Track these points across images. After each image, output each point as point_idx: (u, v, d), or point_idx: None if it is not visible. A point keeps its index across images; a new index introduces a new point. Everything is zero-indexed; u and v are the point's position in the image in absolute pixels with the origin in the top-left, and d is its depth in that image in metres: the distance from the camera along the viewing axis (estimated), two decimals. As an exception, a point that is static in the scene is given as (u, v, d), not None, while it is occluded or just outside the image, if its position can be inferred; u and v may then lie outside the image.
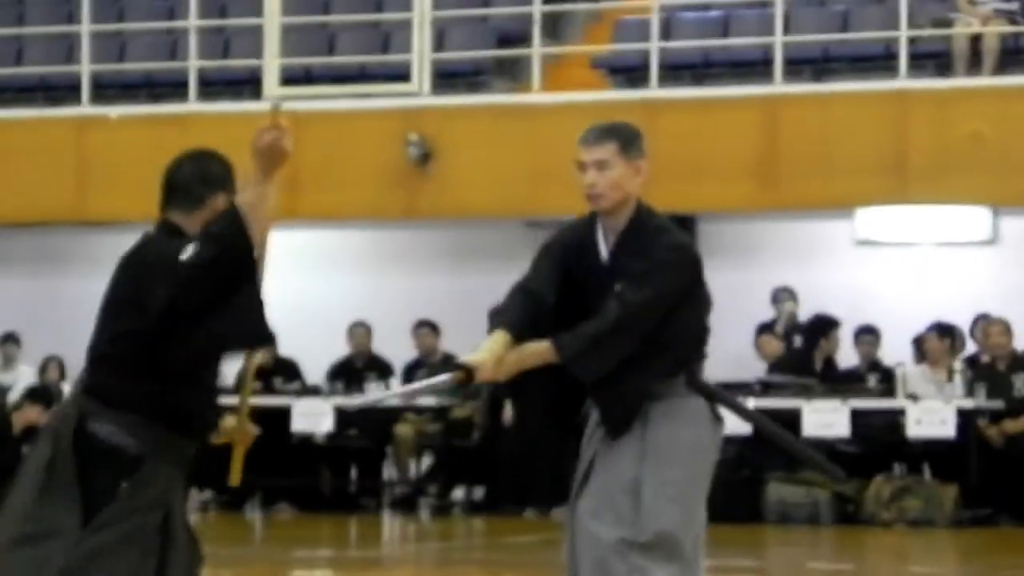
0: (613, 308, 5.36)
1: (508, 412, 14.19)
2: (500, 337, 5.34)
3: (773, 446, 5.97)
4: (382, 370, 15.26)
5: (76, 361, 16.22)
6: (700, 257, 5.50)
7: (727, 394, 5.65)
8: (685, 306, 5.44)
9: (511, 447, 14.20)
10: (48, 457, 4.47)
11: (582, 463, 5.52)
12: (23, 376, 16.18)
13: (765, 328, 14.78)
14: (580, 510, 5.44)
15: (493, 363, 5.29)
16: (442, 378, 5.40)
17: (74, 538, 4.39)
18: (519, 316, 5.38)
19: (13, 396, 15.69)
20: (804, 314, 14.92)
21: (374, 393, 13.55)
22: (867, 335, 14.48)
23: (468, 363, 5.29)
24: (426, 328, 15.16)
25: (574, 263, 5.47)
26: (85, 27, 16.14)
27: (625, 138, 5.43)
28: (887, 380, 13.95)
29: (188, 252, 4.31)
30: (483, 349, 5.33)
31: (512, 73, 16.21)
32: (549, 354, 5.35)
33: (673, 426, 5.42)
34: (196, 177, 4.57)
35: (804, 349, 14.35)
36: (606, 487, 5.41)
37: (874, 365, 14.35)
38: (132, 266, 4.50)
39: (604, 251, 5.46)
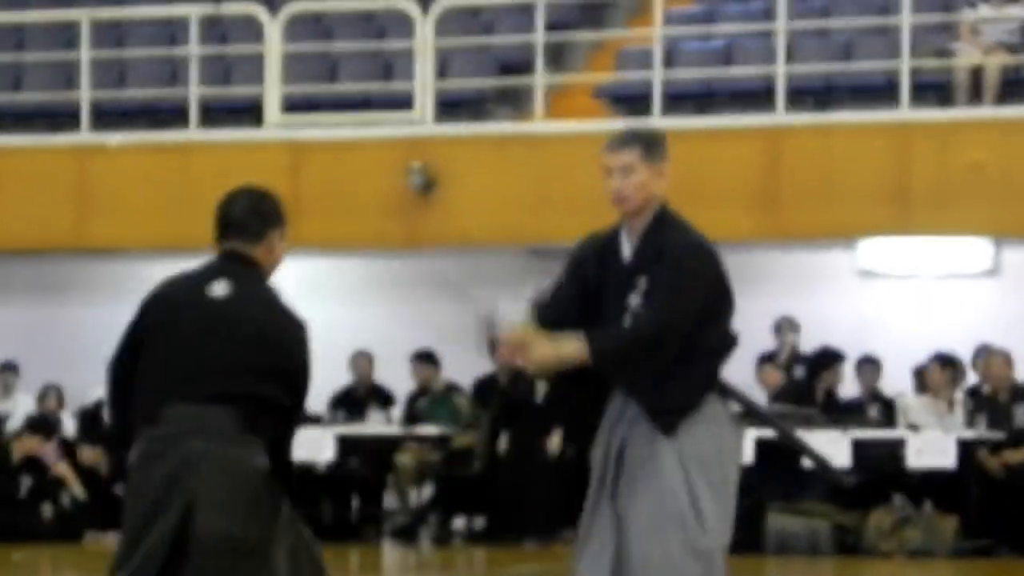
0: (648, 315, 5.43)
1: (503, 442, 14.25)
2: (533, 326, 5.44)
3: (775, 471, 6.04)
4: (384, 399, 15.31)
5: (75, 390, 16.35)
6: (717, 251, 5.57)
7: (741, 391, 5.71)
8: (714, 315, 5.49)
9: (509, 477, 14.25)
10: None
11: (606, 463, 5.54)
12: (21, 404, 16.21)
13: (767, 359, 14.83)
14: (632, 518, 5.44)
15: (516, 344, 5.42)
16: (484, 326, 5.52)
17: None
18: (565, 313, 5.54)
19: (12, 425, 15.74)
20: (806, 344, 14.98)
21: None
22: (868, 365, 14.54)
23: (499, 337, 5.37)
24: (423, 359, 15.18)
25: (593, 270, 5.59)
26: (85, 54, 16.21)
27: (648, 142, 5.58)
28: (888, 410, 14.00)
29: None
30: (519, 328, 5.41)
31: (515, 102, 16.29)
32: (582, 354, 5.41)
33: (705, 430, 5.47)
34: (253, 212, 4.78)
35: (806, 380, 14.40)
36: (661, 494, 5.41)
37: (875, 395, 14.40)
38: (278, 330, 4.78)
39: (627, 252, 5.57)
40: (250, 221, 4.74)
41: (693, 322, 5.42)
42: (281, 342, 4.65)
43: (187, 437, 4.61)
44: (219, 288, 4.70)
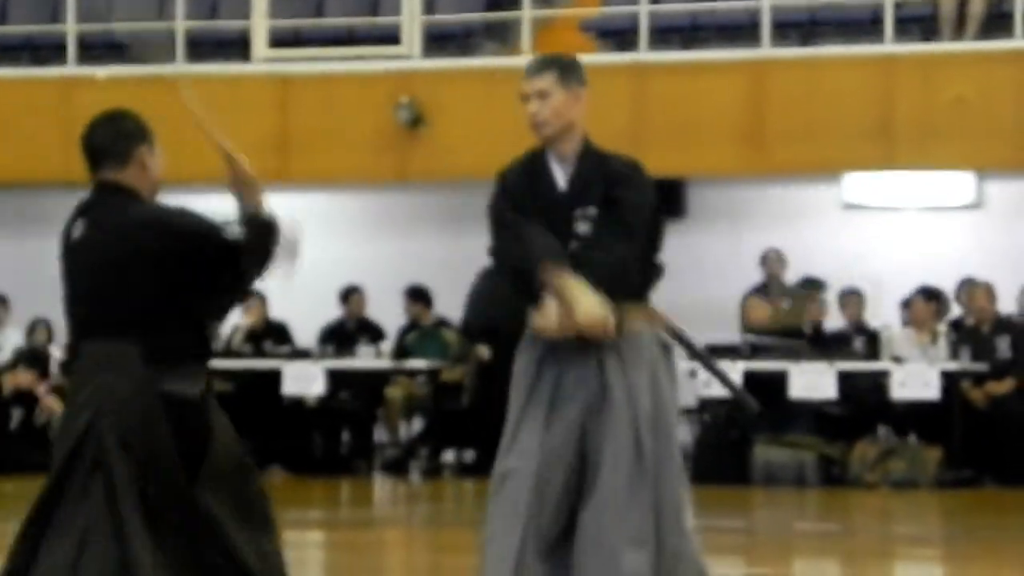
0: (621, 237, 5.52)
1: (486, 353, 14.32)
2: (582, 283, 5.48)
3: (761, 404, 6.12)
4: (374, 333, 15.36)
5: (62, 323, 16.33)
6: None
7: (667, 318, 5.78)
8: (656, 237, 5.61)
9: (499, 410, 14.31)
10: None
11: (535, 394, 5.61)
12: (11, 338, 16.25)
13: (754, 291, 14.90)
14: (599, 455, 5.51)
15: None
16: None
17: None
18: (560, 252, 5.55)
19: (1, 358, 15.78)
20: (792, 278, 15.04)
21: None
22: (853, 298, 14.61)
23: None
24: (415, 296, 15.22)
25: (525, 200, 5.66)
26: (72, -13, 16.16)
27: (563, 67, 5.69)
28: (873, 343, 14.08)
29: (234, 234, 4.70)
30: (588, 300, 5.44)
31: (502, 36, 16.27)
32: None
33: (639, 353, 5.55)
34: (116, 135, 4.84)
35: (792, 312, 14.46)
36: (620, 434, 5.51)
37: (860, 328, 14.48)
38: (157, 230, 4.70)
39: (561, 180, 5.63)
40: (115, 144, 4.78)
41: (646, 225, 5.55)
42: (145, 253, 4.66)
43: (94, 373, 4.70)
44: (79, 228, 4.78)
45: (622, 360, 5.57)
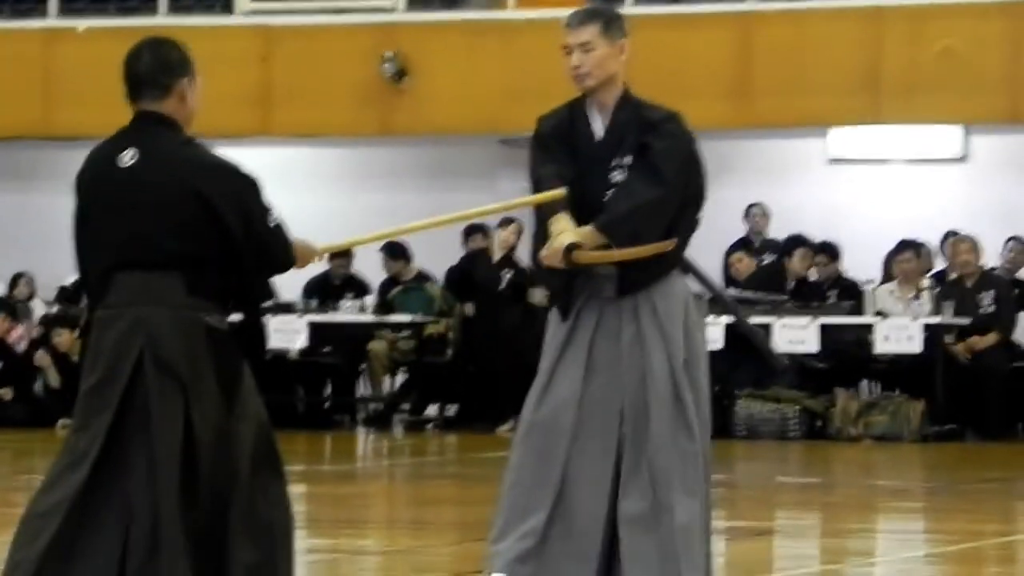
0: (647, 182, 5.56)
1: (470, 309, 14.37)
2: (567, 219, 5.54)
3: (745, 358, 6.17)
4: (358, 288, 15.36)
5: (46, 277, 16.36)
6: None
7: (703, 272, 5.83)
8: (694, 194, 5.64)
9: (481, 365, 14.35)
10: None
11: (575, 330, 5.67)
12: (-10, 291, 16.25)
13: (739, 245, 14.92)
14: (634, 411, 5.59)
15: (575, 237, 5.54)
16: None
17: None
18: (561, 170, 5.61)
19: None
20: (777, 231, 15.06)
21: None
22: (828, 253, 14.62)
23: (564, 245, 5.50)
24: (393, 253, 15.21)
25: (562, 148, 5.71)
26: (54, -61, 16.10)
27: (607, 19, 5.71)
28: (854, 296, 14.11)
29: (273, 220, 4.76)
30: (563, 232, 5.51)
31: (487, -11, 16.24)
32: (595, 237, 5.58)
33: (673, 304, 5.62)
34: (160, 66, 4.79)
35: (775, 266, 14.49)
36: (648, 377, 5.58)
37: (844, 282, 14.51)
38: (219, 172, 4.73)
39: (599, 129, 5.68)
40: (158, 75, 4.77)
41: (684, 181, 5.58)
42: (202, 196, 4.68)
43: (135, 304, 4.70)
44: (128, 156, 4.74)
45: (656, 310, 5.63)
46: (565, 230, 5.56)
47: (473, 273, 14.53)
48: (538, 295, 13.62)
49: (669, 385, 5.60)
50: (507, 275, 14.34)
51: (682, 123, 5.69)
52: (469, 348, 14.65)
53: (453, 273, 15.06)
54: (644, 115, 5.67)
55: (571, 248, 5.49)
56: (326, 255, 5.10)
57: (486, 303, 14.38)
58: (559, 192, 5.56)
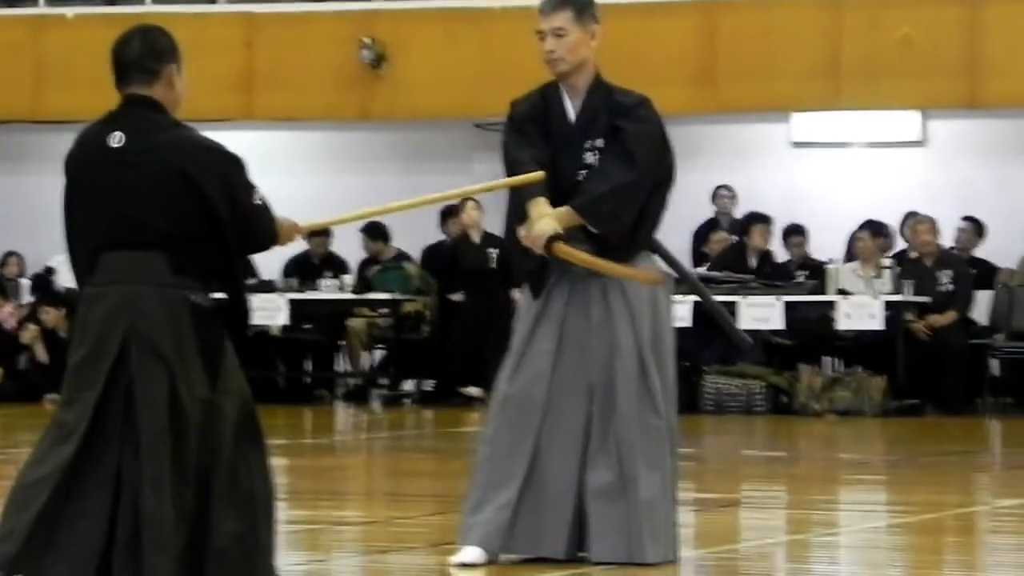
0: (621, 165, 5.55)
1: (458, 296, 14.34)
2: (544, 203, 5.55)
3: (712, 335, 6.18)
4: (337, 267, 15.33)
5: (35, 256, 16.29)
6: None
7: (670, 253, 5.82)
8: (665, 176, 5.59)
9: (460, 340, 14.31)
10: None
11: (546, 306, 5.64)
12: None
13: (707, 226, 14.92)
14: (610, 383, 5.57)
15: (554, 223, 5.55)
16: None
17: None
18: (544, 187, 5.59)
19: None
20: (742, 213, 15.07)
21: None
22: (800, 233, 14.65)
23: (546, 237, 5.48)
24: (372, 233, 15.18)
25: (535, 130, 5.71)
26: (43, -72, 16.02)
27: (579, 6, 5.74)
28: (818, 276, 14.12)
29: (258, 198, 4.73)
30: (543, 217, 5.50)
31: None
32: (571, 218, 5.56)
33: (649, 292, 5.65)
34: (149, 51, 4.77)
35: (738, 245, 14.50)
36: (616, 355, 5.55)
37: (807, 262, 14.52)
38: (204, 153, 4.70)
39: (572, 112, 5.65)
40: (146, 60, 4.75)
41: (657, 161, 5.57)
42: (188, 177, 4.65)
43: (121, 282, 4.69)
44: (116, 138, 4.72)
45: (625, 290, 5.62)
46: (544, 215, 5.55)
47: (459, 258, 14.47)
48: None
49: (636, 362, 5.59)
50: (494, 254, 14.30)
51: (652, 108, 5.69)
52: (446, 324, 14.61)
53: (434, 257, 15.04)
54: (616, 99, 5.67)
55: (553, 239, 5.49)
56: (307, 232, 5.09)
57: (476, 285, 14.31)
58: (537, 175, 5.56)
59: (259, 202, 4.74)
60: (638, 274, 5.55)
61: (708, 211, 15.17)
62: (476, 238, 14.43)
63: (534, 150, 5.64)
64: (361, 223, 15.29)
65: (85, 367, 4.66)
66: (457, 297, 14.45)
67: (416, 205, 5.49)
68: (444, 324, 14.64)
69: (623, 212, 5.58)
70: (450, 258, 14.61)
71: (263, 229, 4.76)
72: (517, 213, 5.66)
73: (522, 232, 5.59)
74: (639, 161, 5.57)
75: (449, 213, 14.94)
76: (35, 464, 4.66)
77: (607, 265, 5.53)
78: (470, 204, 14.27)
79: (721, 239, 14.68)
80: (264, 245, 4.81)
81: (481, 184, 5.70)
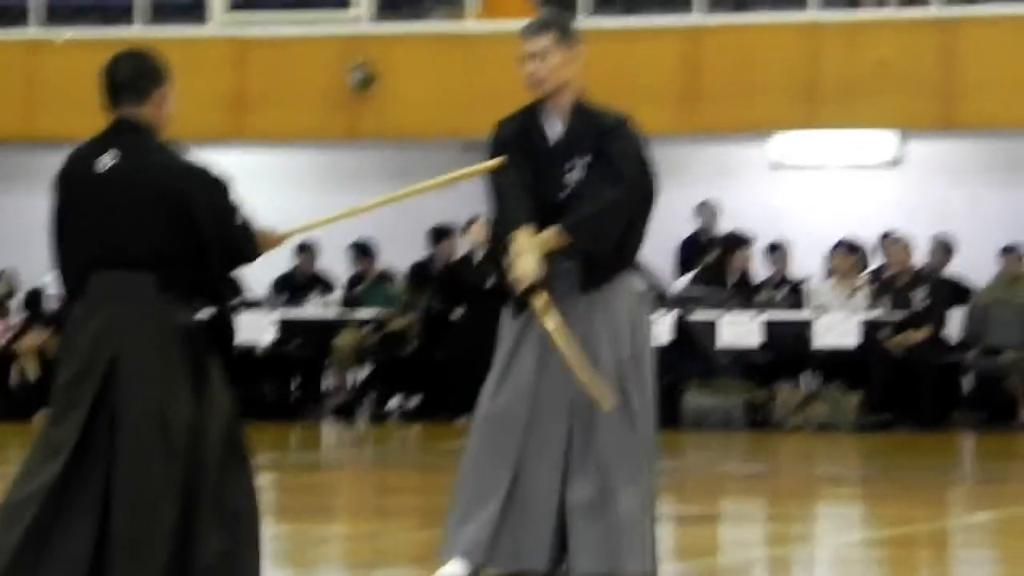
0: (607, 184, 5.57)
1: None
2: (526, 235, 5.54)
3: (691, 352, 6.17)
4: (324, 285, 15.30)
5: (26, 275, 16.22)
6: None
7: (651, 271, 5.82)
8: (647, 193, 5.62)
9: (456, 351, 14.25)
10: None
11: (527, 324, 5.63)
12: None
13: (690, 240, 14.90)
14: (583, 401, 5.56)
15: (537, 264, 5.54)
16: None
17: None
18: (528, 213, 5.59)
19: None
20: (722, 232, 15.06)
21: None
22: (778, 251, 14.66)
23: (528, 282, 5.47)
24: (359, 251, 15.16)
25: (519, 151, 5.69)
26: (37, -47, 16.02)
27: (561, 29, 5.75)
28: (796, 293, 14.13)
29: (241, 217, 4.77)
30: (525, 253, 5.50)
31: (451, 1, 16.20)
32: (560, 239, 5.54)
33: (624, 301, 5.60)
34: (138, 73, 4.77)
35: (718, 263, 14.50)
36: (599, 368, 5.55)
37: (784, 279, 14.53)
38: (191, 176, 4.70)
39: (553, 133, 5.67)
40: (136, 82, 4.75)
41: (645, 178, 5.57)
42: (176, 198, 4.66)
43: (110, 302, 4.66)
44: (106, 159, 4.71)
45: (606, 307, 5.62)
46: (527, 250, 5.54)
47: (462, 277, 14.42)
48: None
49: (615, 379, 5.59)
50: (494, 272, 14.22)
51: (634, 126, 5.69)
52: (431, 342, 14.57)
53: (417, 270, 15.00)
54: (598, 119, 5.68)
55: (533, 287, 5.50)
56: (292, 241, 5.10)
57: (479, 302, 14.24)
58: (499, 160, 5.59)
59: (242, 221, 4.75)
60: (592, 388, 5.51)
61: (686, 230, 15.16)
62: (477, 257, 14.41)
63: (517, 172, 5.64)
64: (355, 237, 15.29)
65: (73, 385, 4.64)
66: (458, 314, 14.39)
67: (387, 202, 5.53)
68: (431, 341, 14.61)
69: (611, 231, 5.59)
70: (451, 276, 14.57)
71: (245, 246, 4.78)
72: (500, 238, 5.65)
73: (506, 261, 5.59)
74: (625, 179, 5.58)
75: (443, 235, 14.93)
76: (23, 481, 4.63)
77: (572, 355, 5.51)
78: (478, 222, 14.23)
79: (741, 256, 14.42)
80: (247, 261, 4.83)
81: (447, 175, 5.67)
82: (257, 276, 15.36)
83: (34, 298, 15.50)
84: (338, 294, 15.16)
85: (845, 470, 11.45)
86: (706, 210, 15.16)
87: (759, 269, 14.71)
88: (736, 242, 14.43)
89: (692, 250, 14.87)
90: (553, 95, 5.69)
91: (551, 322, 5.54)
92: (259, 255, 4.85)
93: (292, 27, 15.80)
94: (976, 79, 14.48)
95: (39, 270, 15.12)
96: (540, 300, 5.54)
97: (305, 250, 15.38)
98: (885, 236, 14.50)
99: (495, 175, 5.70)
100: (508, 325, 5.77)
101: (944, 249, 14.51)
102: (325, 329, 14.93)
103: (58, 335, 13.90)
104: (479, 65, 14.99)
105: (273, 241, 4.92)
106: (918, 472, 11.04)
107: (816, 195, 15.76)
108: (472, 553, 5.67)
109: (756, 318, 13.67)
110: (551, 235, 5.57)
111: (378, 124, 15.59)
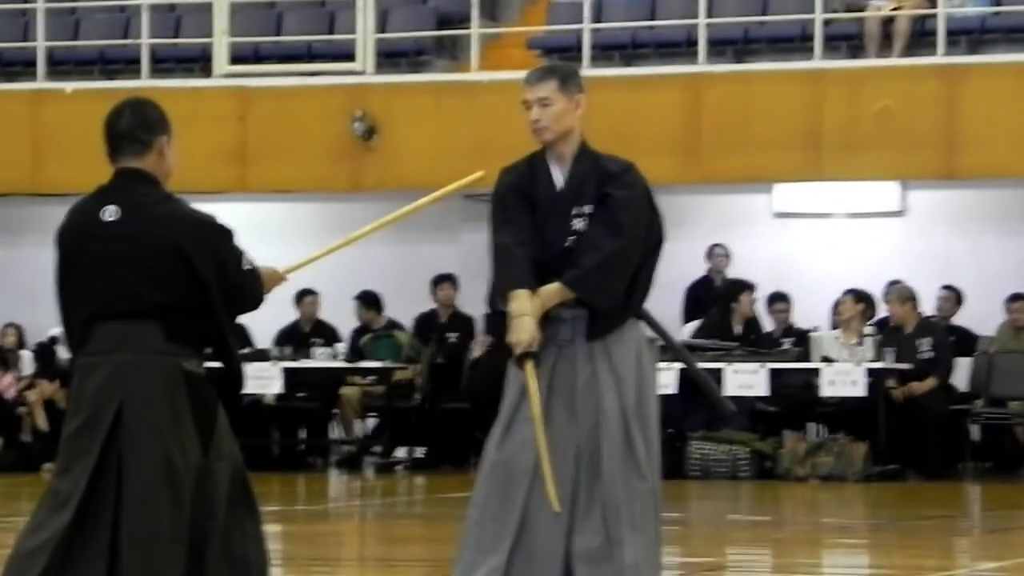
0: (610, 233, 5.59)
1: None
2: (525, 297, 5.54)
3: (697, 402, 6.17)
4: (328, 336, 15.33)
5: (33, 328, 16.26)
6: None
7: (655, 320, 5.83)
8: (654, 241, 5.65)
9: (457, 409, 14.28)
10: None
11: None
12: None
13: (701, 283, 14.91)
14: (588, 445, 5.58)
15: (535, 328, 5.53)
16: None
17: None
18: (527, 273, 5.61)
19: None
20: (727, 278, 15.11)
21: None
22: (784, 301, 14.69)
23: (523, 349, 5.48)
24: (365, 301, 15.20)
25: (522, 199, 5.72)
26: (40, 4, 16.13)
27: (563, 76, 5.77)
28: (802, 343, 14.15)
29: (246, 263, 4.83)
30: (523, 315, 5.50)
31: (452, 53, 16.31)
32: (564, 293, 5.57)
33: (630, 350, 5.64)
34: (140, 124, 4.81)
35: (720, 313, 14.52)
36: (599, 430, 5.58)
37: (791, 329, 14.55)
38: (196, 227, 4.75)
39: (559, 180, 5.70)
40: (137, 132, 4.78)
41: (644, 226, 5.59)
42: (179, 249, 4.68)
43: (115, 351, 4.69)
44: (111, 211, 4.74)
45: (611, 355, 5.63)
46: (525, 314, 5.55)
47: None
48: None
49: (620, 426, 5.60)
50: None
51: (638, 173, 5.72)
52: (437, 392, 14.59)
53: (422, 321, 15.06)
54: (602, 166, 5.70)
55: (526, 355, 5.52)
56: (295, 281, 5.16)
57: (491, 350, 14.28)
58: (478, 174, 5.64)
59: (247, 267, 4.78)
60: (546, 482, 5.53)
61: (693, 277, 15.18)
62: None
63: (514, 228, 5.65)
64: (358, 288, 15.33)
65: (80, 436, 4.66)
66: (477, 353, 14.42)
67: (377, 228, 5.59)
68: (436, 391, 14.63)
69: (616, 283, 5.60)
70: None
71: (251, 292, 4.83)
72: (498, 296, 5.67)
73: (509, 337, 5.61)
74: (625, 229, 5.58)
75: (441, 281, 14.98)
76: (32, 532, 4.65)
77: (544, 457, 5.53)
78: (447, 283, 14.39)
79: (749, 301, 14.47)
80: (255, 303, 4.87)
81: (428, 197, 5.72)
82: (261, 327, 15.40)
83: (44, 350, 15.53)
84: (344, 345, 15.19)
85: (852, 520, 11.44)
86: (719, 252, 15.20)
87: (765, 318, 14.73)
88: (740, 287, 14.46)
89: (702, 293, 14.91)
90: (557, 143, 5.73)
91: (532, 392, 5.56)
92: (266, 294, 4.88)
93: (295, 79, 15.89)
94: (977, 129, 14.51)
95: (47, 323, 15.16)
96: (529, 367, 5.56)
97: (306, 296, 15.43)
98: (891, 285, 14.52)
99: (495, 235, 5.72)
100: (513, 375, 5.79)
101: (955, 299, 14.55)
102: (331, 380, 14.96)
103: (64, 387, 13.96)
104: (481, 115, 15.07)
105: (276, 279, 4.97)
106: (925, 522, 11.03)
107: (820, 244, 15.80)
108: (480, 603, 5.68)
109: (762, 368, 13.68)
110: (554, 291, 5.59)
111: (381, 175, 15.64)
